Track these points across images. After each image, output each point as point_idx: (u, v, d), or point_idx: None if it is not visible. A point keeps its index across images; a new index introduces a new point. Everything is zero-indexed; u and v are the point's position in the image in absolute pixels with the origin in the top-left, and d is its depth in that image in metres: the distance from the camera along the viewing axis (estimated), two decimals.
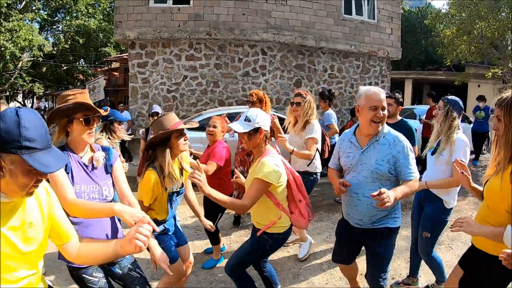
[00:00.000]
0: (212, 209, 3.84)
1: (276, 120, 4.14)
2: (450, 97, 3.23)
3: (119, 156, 2.53)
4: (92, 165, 2.20)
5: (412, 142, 3.78)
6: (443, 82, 18.33)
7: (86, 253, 1.64)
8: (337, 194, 2.86)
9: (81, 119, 2.08)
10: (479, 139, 9.57)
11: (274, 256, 4.12)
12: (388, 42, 12.65)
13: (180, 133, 2.64)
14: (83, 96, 2.13)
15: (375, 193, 2.12)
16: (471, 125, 9.74)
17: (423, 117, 8.59)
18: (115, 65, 28.00)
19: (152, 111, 6.61)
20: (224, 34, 10.86)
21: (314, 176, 4.18)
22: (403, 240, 4.42)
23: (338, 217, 2.85)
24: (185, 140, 2.68)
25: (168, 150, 2.60)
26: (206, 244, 4.66)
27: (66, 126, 2.11)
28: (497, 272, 1.94)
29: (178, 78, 11.15)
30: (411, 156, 2.46)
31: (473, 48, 12.36)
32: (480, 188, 2.30)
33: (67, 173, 2.06)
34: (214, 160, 3.81)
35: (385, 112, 2.46)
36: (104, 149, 2.31)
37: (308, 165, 4.11)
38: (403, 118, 4.08)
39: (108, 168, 2.27)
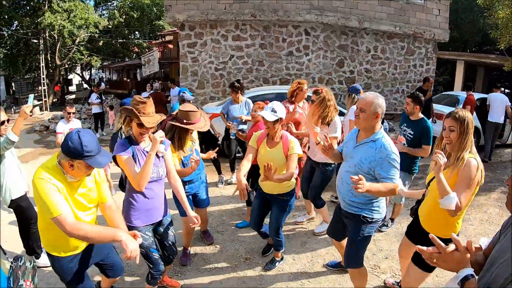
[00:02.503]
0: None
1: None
2: (351, 85, 4.22)
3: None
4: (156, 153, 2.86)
5: (425, 141, 4.21)
6: (498, 66, 17.42)
7: (108, 217, 2.57)
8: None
9: (137, 122, 2.74)
10: None
11: (289, 226, 4.96)
12: (435, 24, 12.49)
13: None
14: (144, 106, 2.74)
15: (356, 177, 2.42)
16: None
17: (461, 106, 8.60)
18: (169, 38, 28.78)
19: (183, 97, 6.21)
20: (268, 16, 11.29)
21: (333, 165, 4.50)
22: None
23: None
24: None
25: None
26: (235, 207, 5.55)
27: (129, 122, 2.82)
28: None
29: (225, 57, 11.80)
30: (393, 165, 2.69)
31: None
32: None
33: (134, 159, 2.74)
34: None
35: (362, 113, 2.73)
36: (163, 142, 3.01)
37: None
38: (425, 118, 4.36)
39: (160, 154, 2.94)
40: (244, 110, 6.08)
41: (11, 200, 3.80)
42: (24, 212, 3.91)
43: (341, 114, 6.64)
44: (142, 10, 28.22)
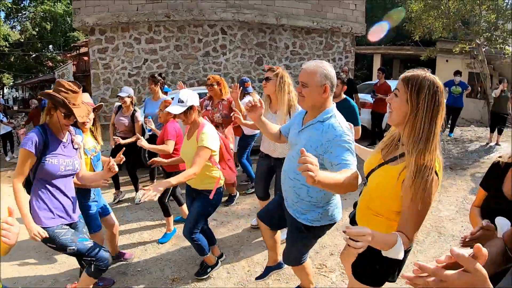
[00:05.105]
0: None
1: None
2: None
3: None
4: (72, 144, 2.60)
5: (354, 122, 3.61)
6: (413, 57, 18.40)
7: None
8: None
9: (63, 113, 2.38)
10: (453, 114, 9.63)
11: (219, 234, 4.41)
12: (352, 18, 12.60)
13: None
14: (75, 96, 2.41)
15: (305, 154, 1.57)
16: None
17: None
18: (83, 50, 27.47)
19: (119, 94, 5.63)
20: (183, 15, 10.71)
21: None
22: None
23: None
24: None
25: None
26: (157, 224, 4.83)
27: (51, 110, 2.43)
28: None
29: (139, 62, 11.05)
30: (346, 148, 2.06)
31: (440, 24, 12.27)
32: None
33: (47, 151, 2.40)
34: (169, 137, 4.10)
35: (304, 89, 2.18)
36: (78, 132, 2.67)
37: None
38: (347, 97, 4.16)
39: (76, 146, 2.65)
40: None
41: None
42: None
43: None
44: (55, 21, 26.51)
